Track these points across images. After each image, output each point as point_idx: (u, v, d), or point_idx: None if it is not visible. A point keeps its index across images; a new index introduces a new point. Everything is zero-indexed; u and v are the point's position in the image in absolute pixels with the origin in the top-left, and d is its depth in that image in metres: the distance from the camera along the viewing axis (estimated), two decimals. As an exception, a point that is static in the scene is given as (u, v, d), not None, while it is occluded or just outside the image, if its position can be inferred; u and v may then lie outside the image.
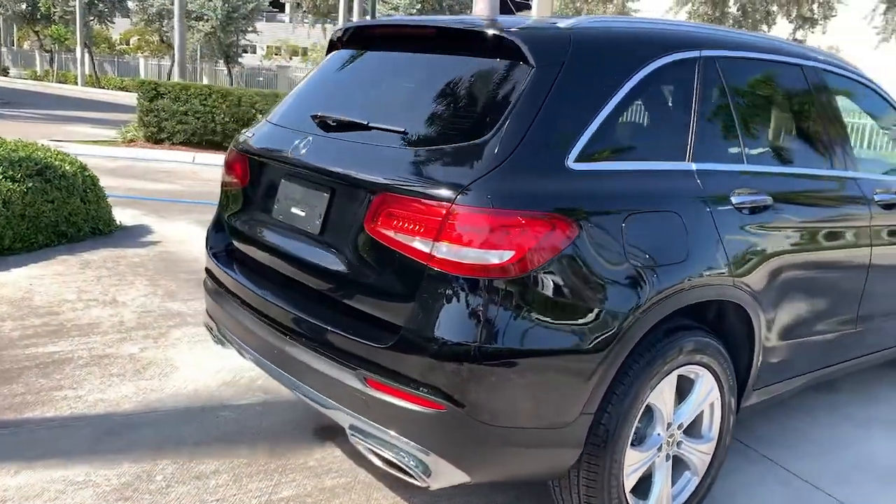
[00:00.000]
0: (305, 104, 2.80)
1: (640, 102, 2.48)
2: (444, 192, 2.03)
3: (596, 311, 2.13)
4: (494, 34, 2.32)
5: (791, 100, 3.21)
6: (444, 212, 2.01)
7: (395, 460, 2.13)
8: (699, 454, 2.63)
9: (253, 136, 2.84)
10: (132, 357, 3.69)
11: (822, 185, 3.12)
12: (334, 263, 2.31)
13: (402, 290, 2.10)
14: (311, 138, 2.50)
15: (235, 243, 2.87)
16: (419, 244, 2.05)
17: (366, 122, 2.37)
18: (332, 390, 2.24)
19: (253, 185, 2.78)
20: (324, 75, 2.92)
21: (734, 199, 2.56)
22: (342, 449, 2.97)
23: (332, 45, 2.99)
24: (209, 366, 3.66)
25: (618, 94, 2.32)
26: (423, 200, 2.06)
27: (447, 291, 2.02)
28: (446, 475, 2.11)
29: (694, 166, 2.50)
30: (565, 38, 2.33)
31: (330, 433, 3.07)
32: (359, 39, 2.90)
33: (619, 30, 2.66)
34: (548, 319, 2.07)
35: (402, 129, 2.30)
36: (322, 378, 2.26)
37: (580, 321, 2.11)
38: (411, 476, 2.12)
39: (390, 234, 2.12)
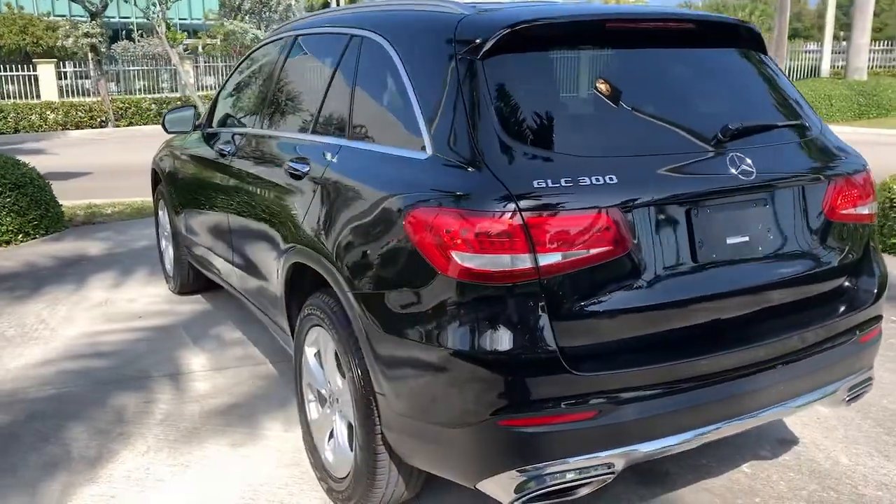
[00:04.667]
0: (620, 120, 2.30)
1: None
2: (866, 166, 2.61)
3: None
4: (748, 28, 2.66)
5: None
6: (870, 179, 2.61)
7: (859, 392, 2.56)
8: None
9: (614, 182, 2.05)
10: None
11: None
12: (803, 265, 2.43)
13: (860, 252, 2.58)
14: (738, 154, 2.26)
15: (639, 325, 2.15)
16: (864, 209, 2.55)
17: (777, 123, 2.53)
18: (830, 374, 2.45)
19: (645, 242, 2.11)
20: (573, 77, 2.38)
21: None
22: None
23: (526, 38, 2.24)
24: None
25: None
26: (867, 177, 2.58)
27: (872, 237, 2.65)
28: None
29: None
30: None
31: None
32: (580, 34, 2.37)
33: None
34: None
35: (798, 124, 2.55)
36: (818, 374, 2.42)
37: None
38: (859, 398, 2.60)
39: (850, 211, 2.51)
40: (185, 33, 25.69)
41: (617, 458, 2.09)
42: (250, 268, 3.45)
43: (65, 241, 6.74)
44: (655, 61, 2.48)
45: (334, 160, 2.65)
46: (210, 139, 4.12)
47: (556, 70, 2.36)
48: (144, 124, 19.80)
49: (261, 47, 3.98)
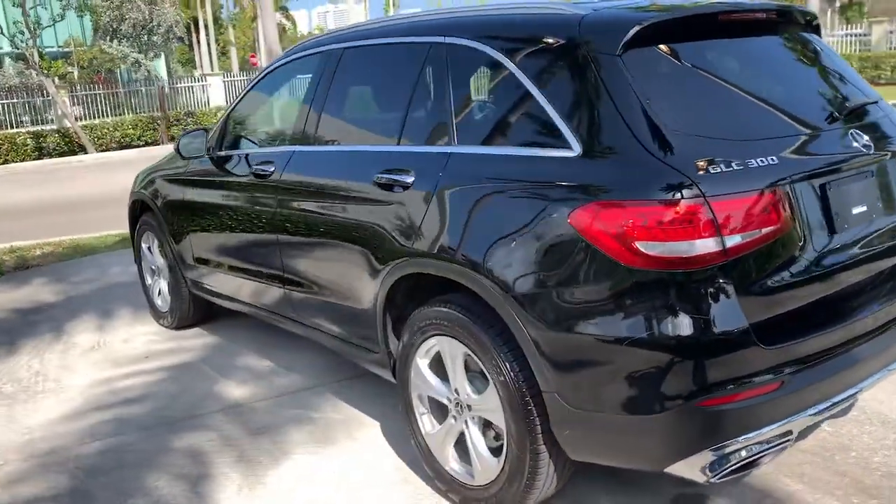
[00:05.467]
0: (754, 104, 2.47)
1: None
2: None
3: None
4: (814, 16, 2.84)
5: None
6: None
7: None
8: None
9: (776, 162, 2.19)
10: None
11: None
12: None
13: None
14: (856, 131, 2.48)
15: (807, 294, 2.28)
16: None
17: (867, 100, 2.73)
18: None
19: (801, 217, 2.26)
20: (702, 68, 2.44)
21: None
22: None
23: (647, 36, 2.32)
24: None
25: None
26: None
27: None
28: None
29: None
30: None
31: None
32: (688, 28, 2.46)
33: None
34: None
35: (876, 100, 2.76)
36: None
37: None
38: None
39: None
40: (61, 61, 24.11)
41: (796, 424, 2.21)
42: (318, 289, 3.34)
43: (10, 289, 6.20)
44: (762, 48, 2.68)
45: (448, 167, 2.63)
46: (225, 162, 3.96)
47: (685, 61, 2.43)
48: (21, 160, 18.37)
49: (283, 64, 3.85)
